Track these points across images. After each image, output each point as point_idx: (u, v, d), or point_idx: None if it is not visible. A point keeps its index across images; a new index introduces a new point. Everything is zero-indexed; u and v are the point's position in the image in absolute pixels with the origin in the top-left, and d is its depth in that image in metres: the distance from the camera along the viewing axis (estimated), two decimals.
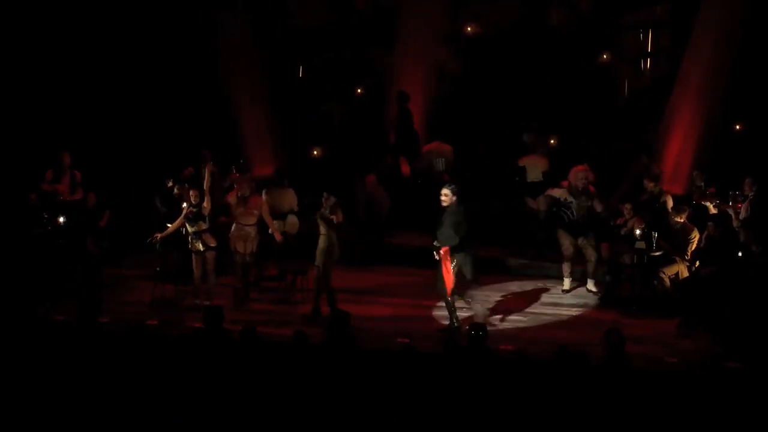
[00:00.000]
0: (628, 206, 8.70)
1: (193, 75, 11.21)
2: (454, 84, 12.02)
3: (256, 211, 8.26)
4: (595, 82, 12.03)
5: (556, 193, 8.85)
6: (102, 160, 10.36)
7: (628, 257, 8.49)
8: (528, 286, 9.25)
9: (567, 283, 8.85)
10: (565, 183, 8.88)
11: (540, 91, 11.79)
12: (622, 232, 8.63)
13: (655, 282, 8.30)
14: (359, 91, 12.12)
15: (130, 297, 8.43)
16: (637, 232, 8.36)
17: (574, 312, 8.41)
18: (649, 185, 9.15)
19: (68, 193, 9.31)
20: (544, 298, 8.82)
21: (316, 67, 12.43)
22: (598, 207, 8.59)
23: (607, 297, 8.65)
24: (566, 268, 8.83)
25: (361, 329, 7.22)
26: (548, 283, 9.21)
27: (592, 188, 8.66)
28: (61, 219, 8.54)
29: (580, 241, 8.64)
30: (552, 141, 10.95)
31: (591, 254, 8.63)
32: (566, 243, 8.71)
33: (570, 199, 8.62)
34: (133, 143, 10.82)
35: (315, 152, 10.93)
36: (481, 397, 5.34)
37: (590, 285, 8.72)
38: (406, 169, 11.23)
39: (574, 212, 8.60)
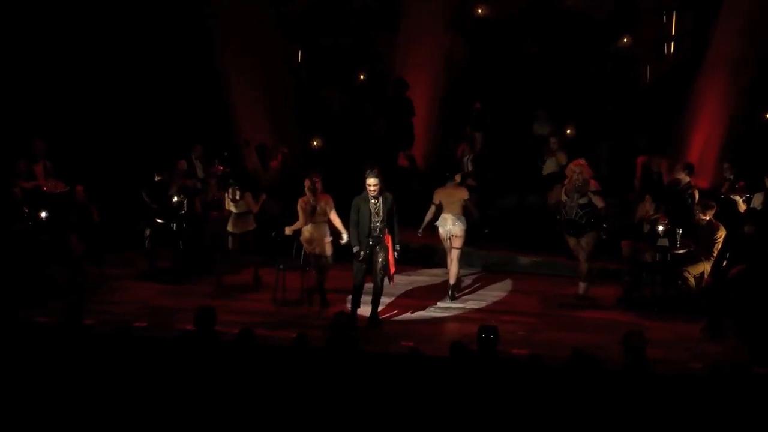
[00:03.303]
0: (648, 198, 8.67)
1: (186, 62, 11.17)
2: (461, 70, 12.01)
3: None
4: (614, 68, 12.01)
5: (557, 196, 8.70)
6: (84, 151, 10.35)
7: (650, 255, 8.45)
8: (540, 285, 9.25)
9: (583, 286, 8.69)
10: (564, 182, 8.69)
11: (553, 78, 11.77)
12: (645, 229, 8.62)
13: (679, 282, 8.30)
14: (361, 77, 12.11)
15: (114, 297, 8.45)
16: (660, 228, 8.32)
17: (590, 313, 8.40)
18: (682, 175, 9.10)
19: (51, 186, 9.30)
20: (558, 298, 8.81)
21: (317, 53, 12.42)
22: (599, 203, 8.41)
23: (626, 297, 8.63)
24: (581, 267, 8.71)
25: (364, 331, 7.29)
26: (562, 283, 9.22)
27: (593, 183, 8.50)
28: (43, 214, 8.54)
29: (577, 240, 8.48)
30: (568, 131, 10.92)
31: (581, 254, 8.51)
32: (571, 242, 8.62)
33: (564, 198, 8.47)
34: (118, 134, 10.80)
35: (315, 143, 10.93)
36: (490, 405, 5.35)
37: (581, 288, 8.62)
38: (403, 162, 11.24)
39: (569, 212, 8.44)
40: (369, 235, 7.70)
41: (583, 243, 8.46)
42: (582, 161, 8.62)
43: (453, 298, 8.67)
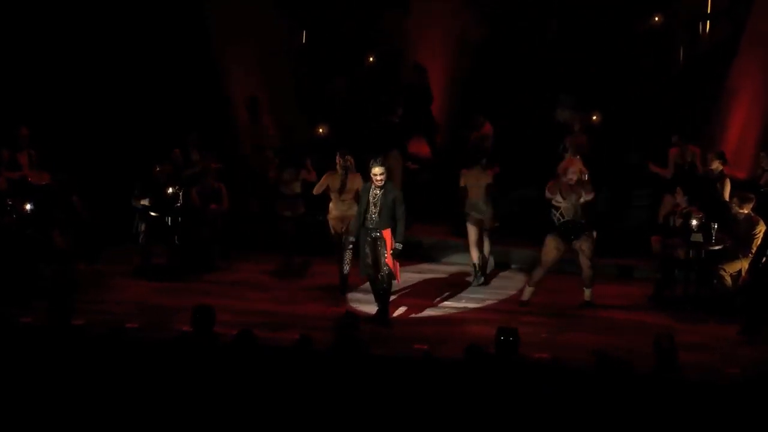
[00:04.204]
0: (680, 191, 8.61)
1: (182, 46, 11.14)
2: (478, 53, 11.95)
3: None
4: (645, 48, 11.92)
5: (553, 191, 8.35)
6: (73, 139, 10.35)
7: (683, 251, 8.40)
8: (563, 283, 9.17)
9: (528, 293, 8.53)
10: (552, 183, 8.43)
11: (579, 60, 11.69)
12: (677, 223, 8.54)
13: (714, 280, 8.24)
14: (370, 59, 12.08)
15: (106, 296, 8.47)
16: (694, 222, 8.26)
17: (618, 314, 8.38)
18: (715, 164, 9.02)
19: (36, 177, 9.32)
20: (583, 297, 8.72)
21: (321, 34, 12.39)
22: (588, 196, 8.26)
23: (656, 297, 8.59)
24: (537, 275, 8.48)
25: (374, 334, 7.29)
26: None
27: (589, 179, 8.36)
28: (28, 206, 8.53)
29: (575, 244, 8.35)
30: (594, 117, 10.85)
31: (584, 261, 8.36)
32: (550, 246, 8.36)
33: (559, 200, 8.30)
34: (110, 122, 10.79)
35: (320, 130, 10.93)
36: (509, 413, 5.34)
37: (587, 295, 8.51)
38: (425, 150, 11.22)
39: (563, 214, 8.30)
40: (363, 225, 7.87)
41: (585, 248, 8.33)
42: (576, 160, 8.44)
43: (484, 274, 9.20)
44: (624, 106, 11.20)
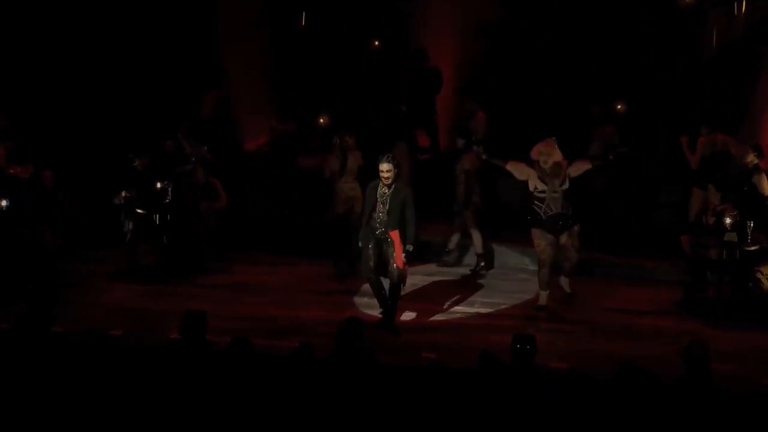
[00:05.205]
0: (712, 187, 8.58)
1: (175, 30, 11.18)
2: (493, 37, 11.94)
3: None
4: (674, 31, 11.89)
5: (520, 172, 8.38)
6: (57, 130, 10.38)
7: (716, 252, 8.38)
8: (585, 287, 9.15)
9: (544, 297, 8.47)
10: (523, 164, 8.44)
11: (603, 44, 11.67)
12: (709, 221, 8.51)
13: (750, 283, 8.24)
14: (376, 43, 12.10)
15: (90, 299, 8.49)
16: (728, 220, 8.24)
17: (643, 320, 8.37)
18: (750, 157, 9.00)
19: (18, 171, 9.32)
20: (606, 302, 8.79)
21: (324, 16, 12.41)
22: (586, 165, 8.35)
23: (687, 301, 8.59)
24: (544, 277, 8.39)
25: (379, 340, 7.27)
26: (611, 284, 9.18)
27: (565, 163, 8.29)
28: (3, 203, 8.51)
29: (564, 239, 8.31)
30: (619, 106, 10.85)
31: (573, 256, 8.40)
32: (542, 244, 8.31)
33: (541, 187, 8.27)
34: (97, 110, 10.83)
35: (321, 120, 10.97)
36: (526, 426, 5.32)
37: (565, 285, 8.57)
38: (424, 142, 11.26)
39: (551, 205, 8.25)
40: (367, 225, 7.88)
41: (573, 244, 8.35)
42: (550, 141, 8.31)
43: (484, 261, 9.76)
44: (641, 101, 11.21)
